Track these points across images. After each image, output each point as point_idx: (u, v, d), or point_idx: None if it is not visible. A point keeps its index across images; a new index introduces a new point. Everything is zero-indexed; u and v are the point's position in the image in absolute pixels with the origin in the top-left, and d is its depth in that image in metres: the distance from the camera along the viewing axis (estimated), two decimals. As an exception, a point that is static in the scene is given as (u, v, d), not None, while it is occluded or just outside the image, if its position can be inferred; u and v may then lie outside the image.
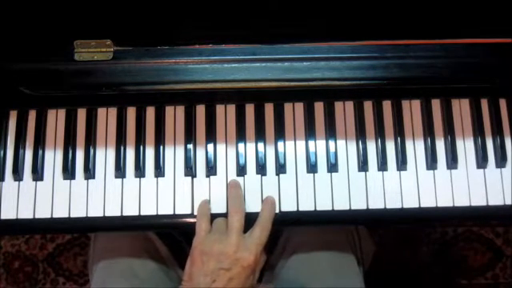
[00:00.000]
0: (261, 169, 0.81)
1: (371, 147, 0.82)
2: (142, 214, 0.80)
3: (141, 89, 0.81)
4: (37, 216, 0.80)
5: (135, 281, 0.88)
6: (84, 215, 0.80)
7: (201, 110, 0.84)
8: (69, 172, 0.81)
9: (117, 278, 0.88)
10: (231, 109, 0.84)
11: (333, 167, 0.81)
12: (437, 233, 1.50)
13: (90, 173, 0.81)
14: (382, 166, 0.81)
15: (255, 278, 0.76)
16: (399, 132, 0.83)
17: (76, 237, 1.49)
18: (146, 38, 0.79)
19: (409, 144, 0.83)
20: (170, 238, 0.95)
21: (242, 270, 0.73)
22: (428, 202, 0.81)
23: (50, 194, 0.81)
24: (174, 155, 0.82)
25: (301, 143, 0.83)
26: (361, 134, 0.82)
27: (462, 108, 0.84)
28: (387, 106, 0.84)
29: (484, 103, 0.84)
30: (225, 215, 0.79)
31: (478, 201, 0.81)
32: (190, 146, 0.82)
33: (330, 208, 0.80)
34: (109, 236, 0.93)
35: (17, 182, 0.81)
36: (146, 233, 0.93)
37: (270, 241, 0.78)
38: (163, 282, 0.90)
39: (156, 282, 0.90)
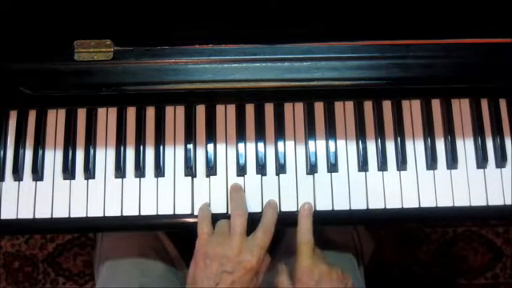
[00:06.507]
0: (261, 169, 0.81)
1: (371, 147, 0.82)
2: (142, 214, 0.80)
3: (141, 89, 0.81)
4: (37, 216, 0.80)
5: (143, 280, 0.88)
6: (84, 215, 0.80)
7: (201, 110, 0.84)
8: (69, 172, 0.81)
9: (125, 277, 0.88)
10: (231, 109, 0.84)
11: (333, 167, 0.81)
12: (437, 233, 1.50)
13: (89, 173, 0.81)
14: (382, 166, 0.81)
15: (259, 281, 0.76)
16: (399, 132, 0.83)
17: (76, 237, 1.49)
18: (146, 38, 0.79)
19: (409, 144, 0.83)
20: (179, 238, 0.95)
21: (245, 273, 0.73)
22: (428, 202, 0.81)
23: (50, 194, 0.81)
24: (174, 155, 0.82)
25: (301, 143, 0.83)
26: (361, 134, 0.82)
27: (462, 108, 0.84)
28: (387, 106, 0.84)
29: (484, 103, 0.84)
30: (225, 215, 0.79)
31: (478, 201, 0.81)
32: (190, 146, 0.82)
33: (329, 208, 0.80)
34: (116, 235, 0.93)
35: (17, 182, 0.81)
36: (155, 232, 0.93)
37: (272, 243, 0.78)
38: (171, 282, 0.90)
39: (164, 281, 0.90)
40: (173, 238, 0.94)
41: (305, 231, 0.77)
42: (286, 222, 0.80)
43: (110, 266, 0.90)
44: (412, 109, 0.84)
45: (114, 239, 0.93)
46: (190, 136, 0.82)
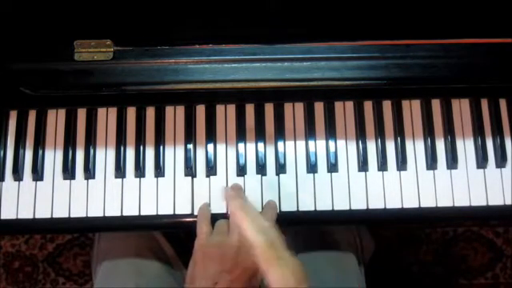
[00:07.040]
0: (261, 169, 0.81)
1: (371, 147, 0.82)
2: (142, 214, 0.80)
3: (141, 89, 0.81)
4: (37, 216, 0.80)
5: (140, 280, 0.87)
6: (84, 215, 0.80)
7: (201, 110, 0.84)
8: (69, 172, 0.81)
9: (122, 277, 0.88)
10: (231, 109, 0.84)
11: (333, 167, 0.81)
12: (437, 233, 1.50)
13: (90, 173, 0.81)
14: (382, 166, 0.81)
15: (258, 281, 0.76)
16: (399, 132, 0.83)
17: (76, 237, 1.49)
18: (146, 38, 0.79)
19: (409, 144, 0.83)
20: (176, 238, 0.95)
21: (244, 272, 0.72)
22: (428, 202, 0.81)
23: (50, 194, 0.81)
24: (174, 155, 0.82)
25: (301, 143, 0.83)
26: (361, 134, 0.82)
27: (462, 108, 0.84)
28: (387, 106, 0.84)
29: (484, 103, 0.84)
30: (225, 215, 0.79)
31: (478, 201, 0.81)
32: (190, 146, 0.82)
33: (329, 208, 0.80)
34: (114, 236, 0.93)
35: (17, 182, 0.81)
36: (151, 232, 0.93)
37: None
38: (168, 283, 0.90)
39: (161, 282, 0.90)
40: (170, 238, 0.94)
41: (250, 232, 0.66)
42: (286, 222, 0.80)
43: (107, 267, 0.90)
44: (412, 109, 0.84)
45: (111, 240, 0.93)
46: (190, 136, 0.82)
